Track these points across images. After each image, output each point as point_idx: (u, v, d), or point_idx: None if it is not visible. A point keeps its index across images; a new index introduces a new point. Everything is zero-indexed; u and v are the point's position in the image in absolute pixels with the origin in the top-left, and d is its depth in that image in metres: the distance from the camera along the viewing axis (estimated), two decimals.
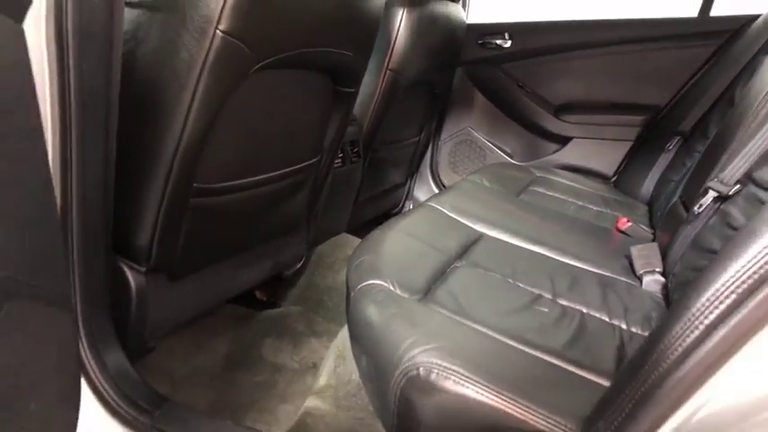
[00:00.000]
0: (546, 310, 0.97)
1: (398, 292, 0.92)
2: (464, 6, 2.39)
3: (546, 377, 0.77)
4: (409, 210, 1.39)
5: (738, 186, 1.04)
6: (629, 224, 1.58)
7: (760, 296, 0.47)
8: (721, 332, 0.49)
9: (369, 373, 0.85)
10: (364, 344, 0.85)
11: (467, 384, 0.70)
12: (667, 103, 2.18)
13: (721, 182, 1.09)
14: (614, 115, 2.27)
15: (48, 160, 0.62)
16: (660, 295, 1.14)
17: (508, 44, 2.33)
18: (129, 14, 0.85)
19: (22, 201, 0.56)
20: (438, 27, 1.91)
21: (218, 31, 0.82)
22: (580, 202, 1.80)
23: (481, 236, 1.28)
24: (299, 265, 1.63)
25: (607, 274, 1.20)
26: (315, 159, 1.34)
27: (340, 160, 1.67)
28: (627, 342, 0.92)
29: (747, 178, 1.02)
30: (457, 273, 1.05)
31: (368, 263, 0.99)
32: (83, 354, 0.87)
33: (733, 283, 0.50)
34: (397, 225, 1.19)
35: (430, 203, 1.40)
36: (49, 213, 0.62)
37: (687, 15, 2.13)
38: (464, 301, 0.93)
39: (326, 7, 1.02)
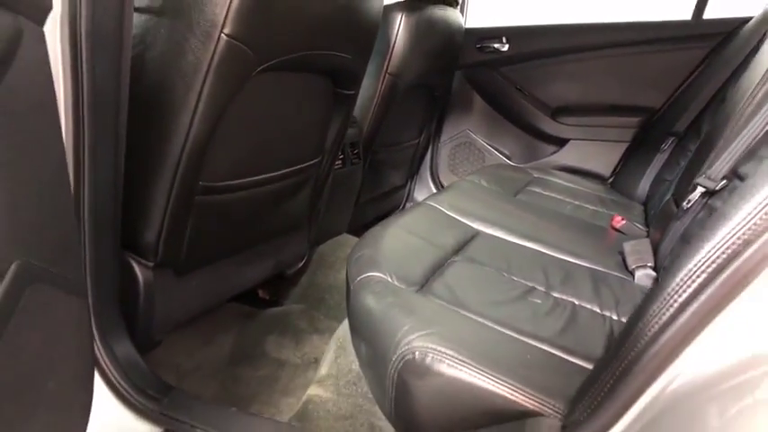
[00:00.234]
0: (539, 301, 1.01)
1: (396, 283, 0.95)
2: (462, 11, 2.43)
3: (536, 362, 0.80)
4: (408, 208, 1.42)
5: (725, 182, 1.08)
6: (624, 222, 1.61)
7: (726, 274, 0.51)
8: (692, 308, 0.53)
9: (368, 360, 0.88)
10: (363, 332, 0.88)
11: (460, 367, 0.74)
12: (662, 105, 2.21)
13: (709, 178, 1.13)
14: (611, 117, 2.31)
15: (64, 157, 0.67)
16: None
17: (506, 48, 2.37)
18: (137, 19, 0.90)
19: (42, 195, 0.60)
20: (436, 31, 1.95)
21: (222, 35, 0.86)
22: (577, 202, 1.84)
23: (478, 233, 1.32)
24: (300, 265, 1.67)
25: (600, 269, 1.24)
26: (316, 160, 1.38)
27: (340, 161, 1.71)
28: (616, 331, 0.95)
29: (733, 173, 1.06)
30: (453, 267, 1.08)
31: (367, 256, 1.03)
32: (94, 344, 0.90)
33: (704, 263, 0.53)
34: (395, 222, 1.23)
35: (428, 202, 1.44)
36: (66, 208, 0.66)
37: (681, 18, 2.16)
38: (459, 292, 0.97)
39: (327, 12, 1.06)
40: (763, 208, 0.50)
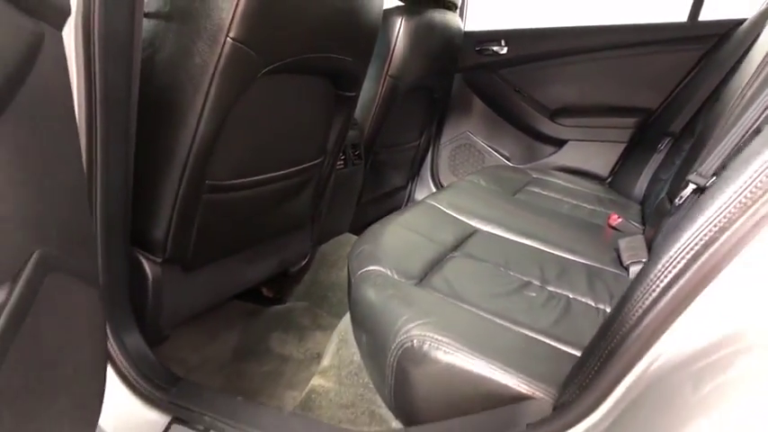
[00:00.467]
0: (534, 294, 1.04)
1: (396, 277, 0.99)
2: (461, 15, 2.47)
3: (530, 350, 0.83)
4: (407, 206, 1.46)
5: (715, 178, 1.11)
6: (620, 220, 1.64)
7: (702, 259, 0.55)
8: (671, 293, 0.57)
9: (368, 350, 0.92)
10: (364, 323, 0.92)
11: (456, 354, 0.77)
12: (659, 106, 2.25)
13: (700, 175, 1.16)
14: (608, 118, 2.34)
15: (80, 154, 0.70)
16: None
17: (504, 50, 2.41)
18: (147, 24, 0.94)
19: (60, 189, 0.63)
20: (436, 34, 1.99)
21: (228, 39, 0.90)
22: (575, 201, 1.87)
23: (476, 230, 1.35)
24: (303, 263, 1.70)
25: (596, 264, 1.27)
26: (318, 160, 1.42)
27: (342, 162, 1.75)
28: None
29: (722, 170, 1.09)
30: (452, 262, 1.12)
31: (368, 251, 1.06)
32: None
33: (683, 250, 0.57)
34: (395, 219, 1.26)
35: (428, 201, 1.48)
36: (81, 202, 0.69)
37: (677, 20, 2.20)
38: (457, 285, 1.00)
39: (327, 16, 1.10)
40: (738, 197, 0.54)
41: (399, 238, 1.17)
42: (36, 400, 0.61)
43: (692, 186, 1.18)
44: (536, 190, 1.94)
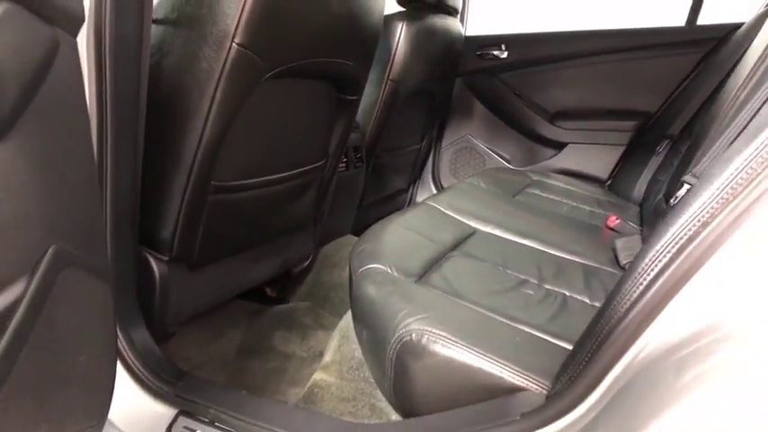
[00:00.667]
0: (531, 292, 1.07)
1: (396, 274, 1.02)
2: (462, 20, 2.50)
3: (525, 344, 0.86)
4: (408, 207, 1.49)
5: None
6: (618, 221, 1.67)
7: (686, 252, 0.57)
8: (657, 285, 0.59)
9: (369, 345, 0.95)
10: (365, 319, 0.95)
11: (453, 347, 0.80)
12: (658, 109, 2.27)
13: (694, 176, 1.19)
14: (608, 121, 2.37)
15: (93, 154, 0.73)
16: None
17: (505, 55, 2.44)
18: (155, 30, 0.97)
19: (74, 187, 0.66)
20: (436, 40, 2.02)
21: (233, 44, 0.93)
22: (574, 203, 1.89)
23: (475, 231, 1.38)
24: (306, 264, 1.73)
25: (593, 264, 1.29)
26: (321, 162, 1.45)
27: (344, 165, 1.78)
28: None
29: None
30: (451, 261, 1.15)
31: (369, 250, 1.09)
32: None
33: (668, 244, 0.60)
34: (396, 219, 1.29)
35: (428, 202, 1.51)
36: (94, 200, 0.72)
37: (675, 25, 2.23)
38: (456, 283, 1.03)
39: (329, 22, 1.13)
40: (720, 193, 0.57)
41: (400, 238, 1.20)
42: (51, 386, 0.64)
43: (686, 187, 1.20)
44: (536, 192, 1.97)
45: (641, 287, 0.62)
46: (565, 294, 1.09)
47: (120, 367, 0.98)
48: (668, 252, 0.60)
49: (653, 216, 1.56)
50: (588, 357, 0.67)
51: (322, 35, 1.13)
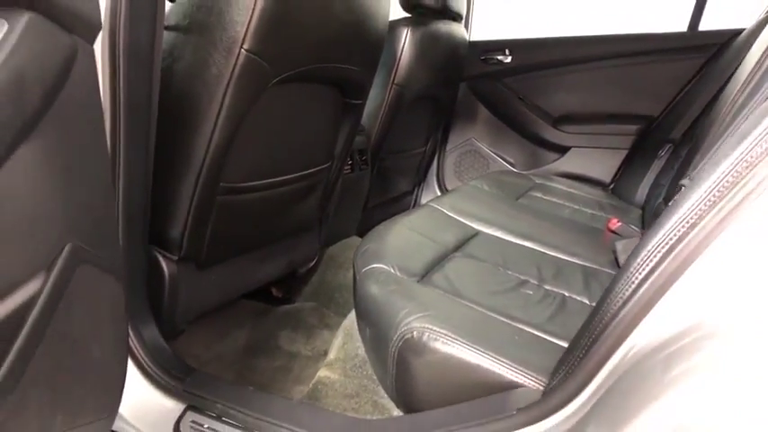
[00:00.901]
0: (530, 292, 1.09)
1: (399, 274, 1.04)
2: (467, 25, 2.53)
3: (524, 342, 0.88)
4: (412, 209, 1.52)
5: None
6: (620, 224, 1.69)
7: (675, 252, 0.60)
8: (647, 284, 0.62)
9: (372, 342, 0.97)
10: (368, 317, 0.98)
11: (453, 345, 0.83)
12: (660, 113, 2.29)
13: (691, 179, 1.21)
14: (610, 125, 2.39)
15: (107, 155, 0.77)
16: None
17: (509, 59, 2.47)
18: (167, 36, 1.00)
19: (89, 187, 0.69)
20: (440, 45, 2.05)
21: (242, 50, 0.96)
22: (576, 206, 1.91)
23: (477, 233, 1.41)
24: (311, 264, 1.76)
25: (592, 266, 1.32)
26: (326, 165, 1.48)
27: (349, 167, 1.81)
28: None
29: None
30: (452, 262, 1.17)
31: (372, 250, 1.12)
32: None
33: (659, 245, 0.62)
34: (400, 221, 1.32)
35: (431, 204, 1.53)
36: (108, 200, 0.75)
37: (677, 30, 2.25)
38: (457, 283, 1.06)
39: (335, 29, 1.16)
40: (707, 196, 0.59)
41: (403, 238, 1.23)
42: (67, 379, 0.68)
43: (683, 190, 1.22)
44: (538, 195, 1.99)
45: (633, 285, 0.64)
46: (564, 295, 1.11)
47: (130, 363, 1.01)
48: (659, 252, 0.62)
49: (653, 219, 1.58)
50: (582, 354, 0.69)
51: (328, 42, 1.16)
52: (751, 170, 0.55)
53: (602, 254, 1.41)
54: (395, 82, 1.87)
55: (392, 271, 1.05)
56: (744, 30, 2.02)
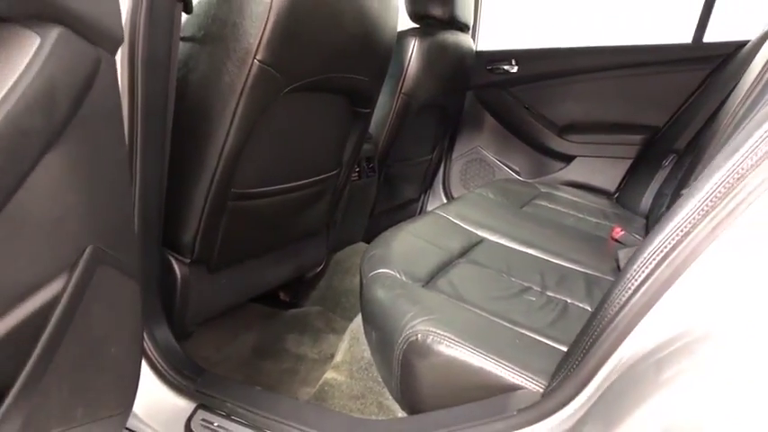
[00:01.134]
0: (533, 298, 1.11)
1: (404, 279, 1.07)
2: (473, 35, 2.57)
3: (525, 346, 0.91)
4: (418, 216, 1.55)
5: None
6: (623, 233, 1.71)
7: (669, 259, 0.62)
8: (643, 290, 0.64)
9: (377, 345, 1.00)
10: (374, 320, 1.00)
11: (457, 347, 0.85)
12: (665, 124, 2.31)
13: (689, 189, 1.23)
14: (615, 135, 2.41)
15: (126, 161, 0.80)
16: None
17: (515, 69, 2.49)
18: (182, 47, 1.04)
19: (109, 191, 0.73)
20: (448, 55, 2.09)
21: (255, 61, 1.00)
22: (580, 215, 1.93)
23: (482, 240, 1.43)
24: (319, 269, 1.80)
25: (595, 273, 1.34)
26: (335, 171, 1.51)
27: (357, 174, 1.84)
28: None
29: None
30: (457, 268, 1.20)
31: (378, 255, 1.15)
32: None
33: (654, 252, 0.65)
34: (405, 227, 1.35)
35: (437, 211, 1.56)
36: (126, 204, 0.79)
37: (682, 42, 2.27)
38: (461, 288, 1.08)
39: (344, 40, 1.19)
40: (701, 205, 0.62)
41: (409, 245, 1.26)
42: (87, 374, 0.71)
43: None
44: (543, 203, 2.01)
45: (629, 292, 0.67)
46: (566, 302, 1.13)
47: (143, 363, 1.04)
48: (654, 259, 0.65)
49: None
50: (580, 358, 0.71)
51: (338, 53, 1.19)
52: (741, 181, 0.58)
53: (605, 262, 1.43)
54: (402, 91, 1.91)
55: (398, 276, 1.07)
56: (748, 42, 2.04)
